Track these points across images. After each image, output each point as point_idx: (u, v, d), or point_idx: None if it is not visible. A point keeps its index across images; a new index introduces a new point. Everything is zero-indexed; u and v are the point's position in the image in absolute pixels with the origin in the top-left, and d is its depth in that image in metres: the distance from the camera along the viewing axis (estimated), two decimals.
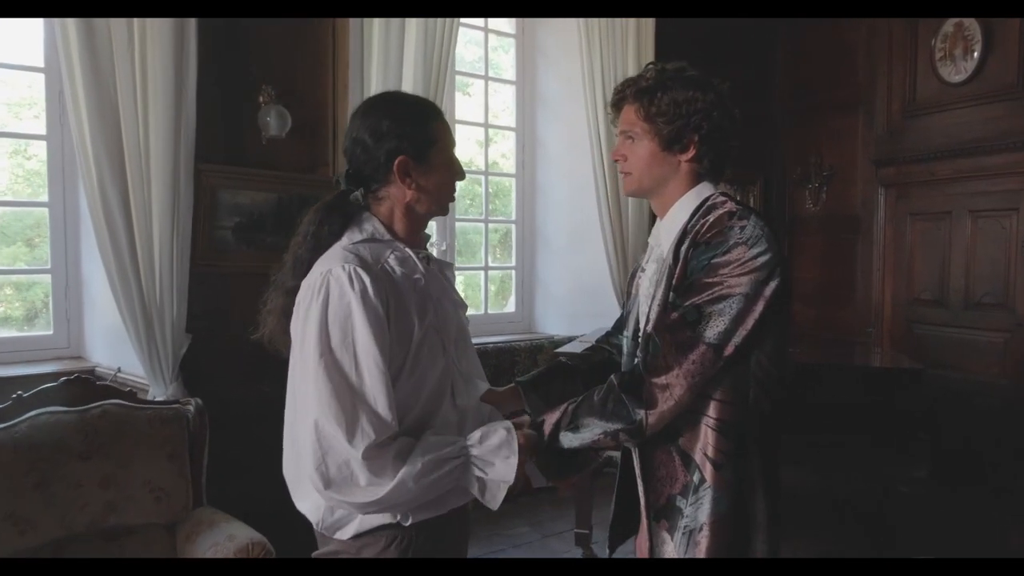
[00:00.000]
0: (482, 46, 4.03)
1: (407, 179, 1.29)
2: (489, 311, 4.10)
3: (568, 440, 1.29)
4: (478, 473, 1.22)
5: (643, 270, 1.46)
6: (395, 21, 2.94)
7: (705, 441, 1.29)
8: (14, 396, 1.98)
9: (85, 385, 2.07)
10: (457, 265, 3.91)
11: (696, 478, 1.30)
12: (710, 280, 1.26)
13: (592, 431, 1.28)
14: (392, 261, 1.27)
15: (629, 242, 3.84)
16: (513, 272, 4.20)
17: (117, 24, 2.33)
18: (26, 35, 2.63)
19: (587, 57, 3.70)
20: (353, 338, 1.18)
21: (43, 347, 2.80)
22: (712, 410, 1.29)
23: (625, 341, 1.50)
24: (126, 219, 2.39)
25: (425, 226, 1.40)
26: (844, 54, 4.18)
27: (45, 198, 2.69)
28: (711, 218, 1.30)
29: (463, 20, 3.82)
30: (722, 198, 1.35)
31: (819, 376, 3.07)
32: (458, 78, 3.89)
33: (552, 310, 4.16)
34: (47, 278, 2.75)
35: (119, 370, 2.60)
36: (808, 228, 4.45)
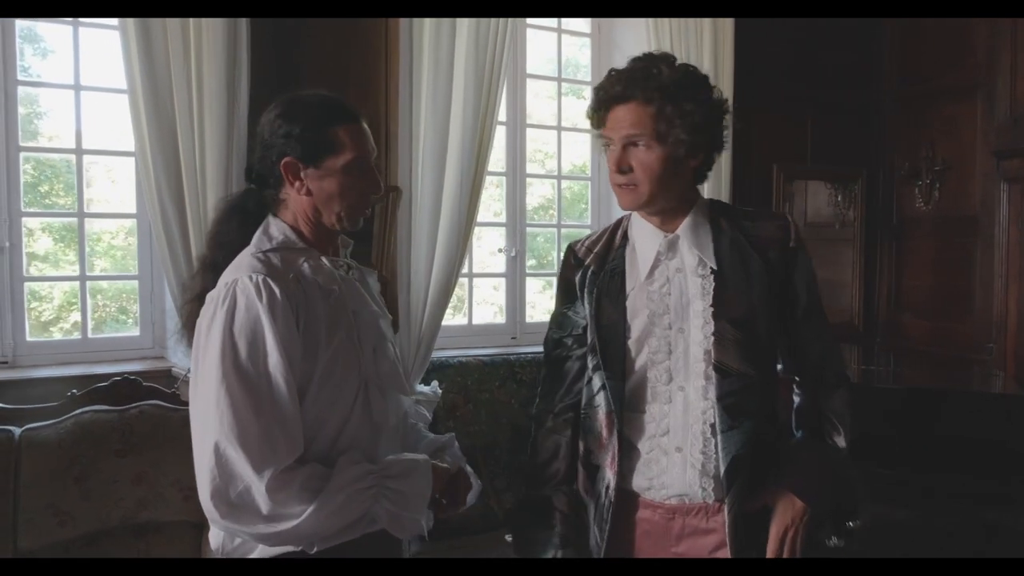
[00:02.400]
0: (568, 47, 3.95)
1: (296, 182, 1.24)
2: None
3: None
4: (388, 505, 1.16)
5: (652, 290, 1.34)
6: (446, 22, 2.92)
7: None
8: (68, 395, 2.14)
9: (133, 386, 2.20)
10: (531, 271, 3.85)
11: None
12: (817, 288, 1.40)
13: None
14: (305, 270, 1.23)
15: None
16: None
17: (174, 36, 2.46)
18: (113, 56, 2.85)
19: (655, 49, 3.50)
20: (263, 352, 1.12)
21: (131, 348, 3.03)
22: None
23: (614, 384, 1.33)
24: (182, 229, 2.53)
25: (336, 236, 1.33)
26: (960, 31, 3.69)
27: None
28: (781, 221, 1.39)
29: (535, 21, 3.76)
30: (734, 205, 1.48)
31: (931, 402, 2.70)
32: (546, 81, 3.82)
33: None
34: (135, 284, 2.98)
35: (188, 371, 2.75)
36: (919, 230, 3.97)
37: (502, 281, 3.79)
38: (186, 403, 2.32)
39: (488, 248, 3.83)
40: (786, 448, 1.37)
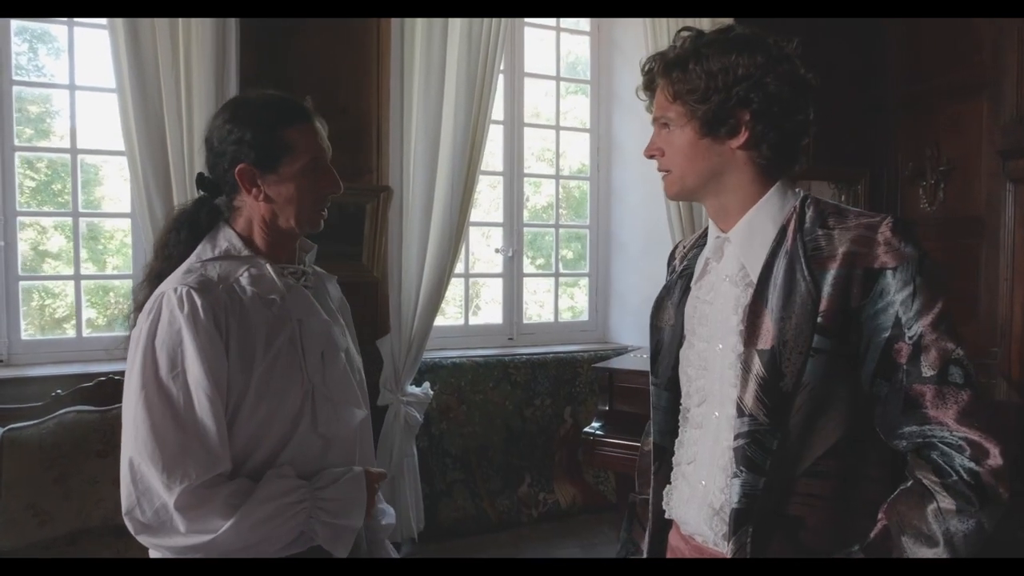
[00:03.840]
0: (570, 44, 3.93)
1: (254, 189, 1.19)
2: (560, 319, 3.97)
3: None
4: (325, 517, 1.13)
5: (696, 297, 1.16)
6: (438, 21, 2.90)
7: None
8: (52, 395, 2.15)
9: (117, 386, 2.20)
10: (529, 272, 3.83)
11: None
12: (934, 317, 0.97)
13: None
14: (244, 280, 1.18)
15: None
16: (587, 279, 4.04)
17: (162, 35, 2.46)
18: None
19: (654, 51, 3.47)
20: (183, 367, 1.08)
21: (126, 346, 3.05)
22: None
23: (658, 392, 1.22)
24: None
25: (293, 240, 1.28)
26: (965, 30, 3.61)
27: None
28: (860, 231, 1.01)
29: (534, 20, 3.73)
30: (828, 203, 1.08)
31: None
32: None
33: (628, 319, 3.95)
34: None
35: None
36: (923, 231, 3.89)
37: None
38: None
39: (494, 248, 3.81)
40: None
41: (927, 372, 0.97)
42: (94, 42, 2.83)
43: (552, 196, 4.00)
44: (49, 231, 3.01)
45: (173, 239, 1.23)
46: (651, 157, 1.14)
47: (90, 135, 2.89)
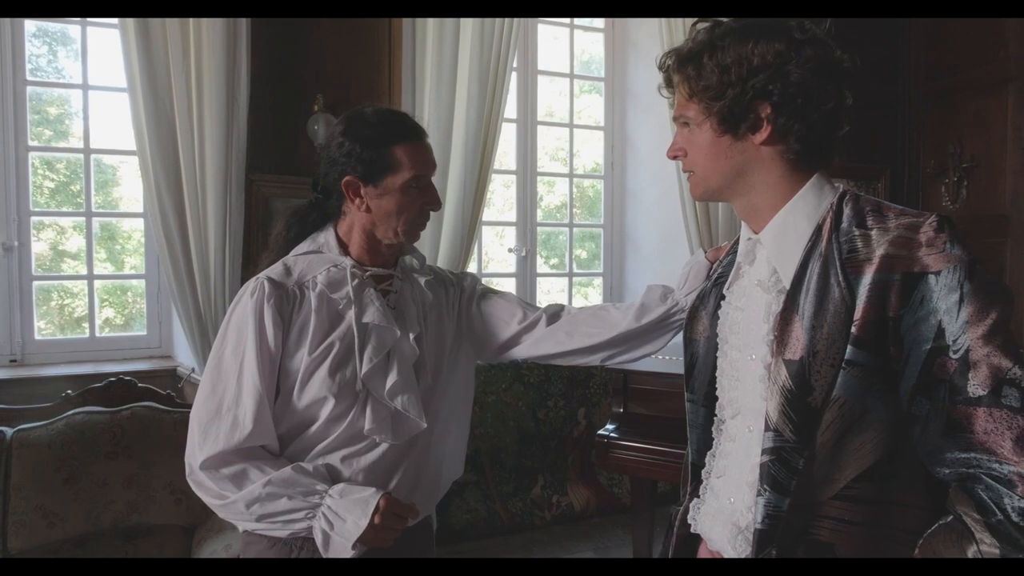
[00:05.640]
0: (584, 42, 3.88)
1: (357, 199, 1.28)
2: None
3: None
4: (324, 525, 1.15)
5: (728, 303, 1.08)
6: (449, 22, 2.87)
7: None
8: (63, 395, 2.14)
9: (127, 387, 2.20)
10: (542, 272, 3.79)
11: None
12: (984, 330, 0.85)
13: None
14: (321, 277, 1.27)
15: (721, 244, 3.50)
16: (601, 279, 3.99)
17: (173, 35, 2.46)
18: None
19: (669, 47, 3.42)
20: (244, 346, 1.20)
21: (138, 347, 3.05)
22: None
23: (693, 408, 1.15)
24: (181, 228, 2.52)
25: (391, 250, 1.35)
26: (990, 23, 3.52)
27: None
28: (900, 231, 0.91)
29: (548, 18, 3.69)
30: (869, 199, 0.98)
31: None
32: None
33: None
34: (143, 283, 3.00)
35: (193, 371, 2.75)
36: None
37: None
38: (179, 405, 2.34)
39: (507, 247, 3.77)
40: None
41: (976, 392, 0.85)
42: (109, 43, 2.83)
43: (566, 195, 3.95)
44: (68, 231, 3.02)
45: (282, 235, 1.34)
46: (674, 158, 1.07)
47: (107, 136, 2.89)
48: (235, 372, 1.20)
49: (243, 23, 2.57)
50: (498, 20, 2.93)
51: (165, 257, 2.53)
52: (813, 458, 0.94)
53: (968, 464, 0.87)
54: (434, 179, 3.04)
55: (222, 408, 1.19)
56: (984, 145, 3.61)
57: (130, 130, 2.52)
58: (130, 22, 2.43)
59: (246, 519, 1.18)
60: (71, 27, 2.85)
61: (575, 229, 3.95)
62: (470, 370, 1.46)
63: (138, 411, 2.11)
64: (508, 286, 3.77)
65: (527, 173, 3.70)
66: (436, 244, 2.98)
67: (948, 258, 0.88)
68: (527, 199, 3.71)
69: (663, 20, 3.34)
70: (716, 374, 1.10)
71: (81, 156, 2.87)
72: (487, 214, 3.17)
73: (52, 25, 2.84)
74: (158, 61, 2.47)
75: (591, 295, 4.08)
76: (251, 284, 1.25)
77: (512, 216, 3.73)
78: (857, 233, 0.94)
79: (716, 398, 1.09)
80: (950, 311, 0.87)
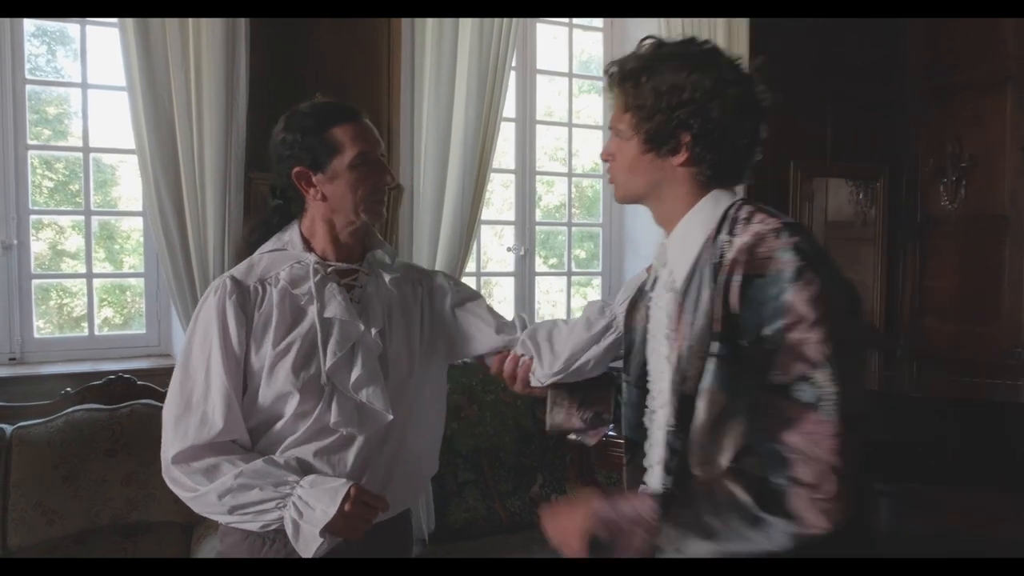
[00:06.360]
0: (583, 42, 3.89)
1: (311, 189, 1.30)
2: (573, 318, 3.93)
3: (676, 547, 1.00)
4: (293, 515, 1.17)
5: (651, 299, 1.18)
6: (448, 21, 2.88)
7: None
8: (62, 393, 2.15)
9: (126, 385, 2.20)
10: (541, 271, 3.80)
11: None
12: (796, 334, 0.94)
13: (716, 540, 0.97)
14: (283, 274, 1.29)
15: None
16: (600, 278, 4.00)
17: (172, 35, 2.46)
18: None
19: None
20: (210, 344, 1.23)
21: (137, 345, 3.06)
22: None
23: (627, 388, 1.24)
24: (180, 227, 2.53)
25: (354, 237, 1.35)
26: (988, 21, 3.52)
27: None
28: (748, 238, 1.01)
29: (547, 17, 3.70)
30: (749, 208, 1.07)
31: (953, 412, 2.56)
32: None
33: None
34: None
35: None
36: (944, 229, 3.81)
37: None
38: None
39: (506, 246, 3.78)
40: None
41: (777, 380, 0.96)
42: (107, 42, 2.83)
43: (565, 195, 3.96)
44: (67, 231, 3.02)
45: (247, 240, 1.38)
46: (605, 160, 1.18)
47: (106, 135, 2.89)
48: (203, 369, 1.23)
49: (242, 23, 2.58)
50: (497, 19, 2.94)
51: (164, 256, 2.54)
52: (687, 441, 1.05)
53: (756, 442, 0.99)
54: (434, 177, 3.08)
55: (191, 404, 1.22)
56: (983, 144, 3.62)
57: (129, 129, 2.53)
58: (129, 21, 2.44)
59: (218, 511, 1.21)
60: (70, 26, 2.85)
61: (574, 229, 3.96)
62: (443, 368, 1.49)
63: (137, 409, 2.11)
64: (507, 285, 3.77)
65: (526, 172, 3.70)
66: (435, 243, 2.98)
67: (777, 262, 0.98)
68: (526, 198, 3.71)
69: (662, 19, 3.35)
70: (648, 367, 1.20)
71: (80, 155, 2.88)
72: (485, 213, 3.18)
73: (51, 24, 2.84)
74: (157, 60, 2.47)
75: (590, 295, 4.09)
76: (215, 283, 1.29)
77: (510, 215, 3.74)
78: (726, 240, 1.05)
79: (647, 381, 1.18)
80: (773, 311, 0.97)
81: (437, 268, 3.00)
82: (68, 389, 2.17)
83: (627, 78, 1.10)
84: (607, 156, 1.17)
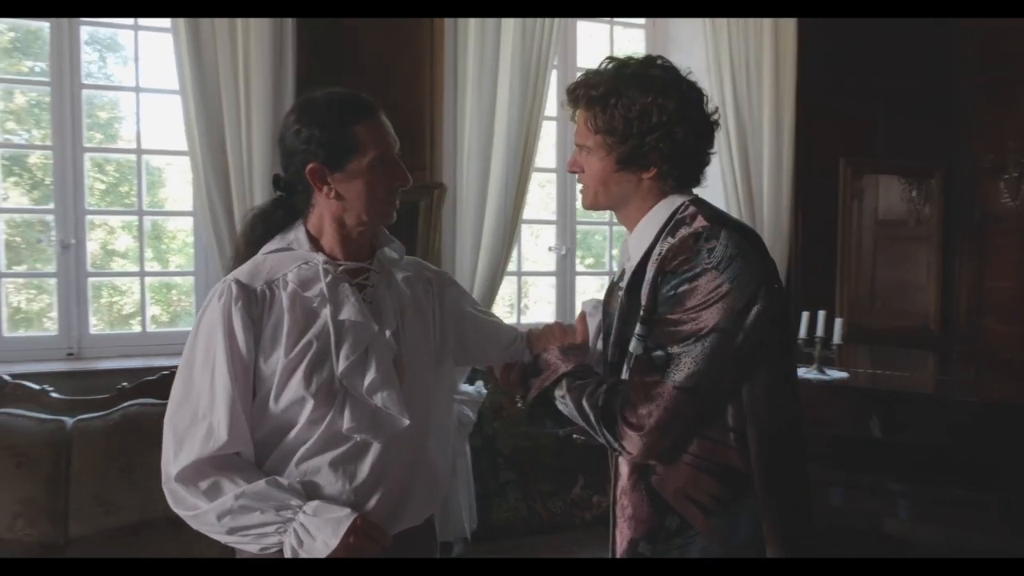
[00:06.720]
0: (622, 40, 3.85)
1: (324, 187, 1.22)
2: None
3: (560, 406, 1.27)
4: (293, 542, 1.13)
5: (621, 289, 1.30)
6: (491, 21, 2.88)
7: (688, 481, 1.14)
8: (118, 387, 2.21)
9: None
10: (582, 271, 3.77)
11: (672, 523, 1.15)
12: (676, 316, 1.13)
13: (575, 419, 1.24)
14: (291, 275, 1.21)
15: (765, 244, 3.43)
16: None
17: (222, 38, 2.52)
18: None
19: (712, 44, 3.38)
20: (214, 351, 1.16)
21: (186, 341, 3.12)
22: (699, 449, 1.16)
23: (606, 368, 1.33)
24: (230, 225, 2.58)
25: (364, 236, 1.29)
26: None
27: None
28: (676, 240, 1.17)
29: (589, 18, 3.67)
30: (692, 210, 1.21)
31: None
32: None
33: None
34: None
35: None
36: (1004, 227, 3.67)
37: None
38: None
39: (545, 246, 3.77)
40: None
41: (648, 344, 1.17)
42: (157, 47, 2.91)
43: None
44: (117, 231, 3.12)
45: (248, 236, 1.28)
46: (572, 172, 1.31)
47: (155, 137, 2.97)
48: (207, 379, 1.16)
49: (289, 25, 2.62)
50: (539, 21, 2.93)
51: (215, 254, 2.60)
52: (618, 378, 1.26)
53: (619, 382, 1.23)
54: (477, 176, 3.08)
55: (197, 415, 1.15)
56: None
57: (176, 131, 2.59)
58: (182, 25, 2.50)
59: (217, 531, 1.15)
60: (121, 32, 2.94)
61: (614, 228, 3.92)
62: (453, 372, 1.46)
63: None
64: (542, 285, 3.76)
65: (566, 171, 3.68)
66: (477, 242, 2.99)
67: (687, 263, 1.14)
68: (567, 198, 3.69)
69: (707, 19, 3.30)
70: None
71: (131, 157, 2.96)
72: (524, 212, 3.18)
73: (102, 32, 2.93)
74: (208, 63, 2.53)
75: None
76: (219, 287, 1.19)
77: (546, 215, 3.72)
78: (666, 240, 1.20)
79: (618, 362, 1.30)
80: (672, 299, 1.15)
81: (480, 267, 3.00)
82: (124, 384, 2.23)
83: (595, 102, 1.21)
84: (575, 169, 1.28)
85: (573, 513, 3.41)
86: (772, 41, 3.36)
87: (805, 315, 3.00)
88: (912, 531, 2.64)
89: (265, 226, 1.28)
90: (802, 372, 2.66)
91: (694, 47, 3.68)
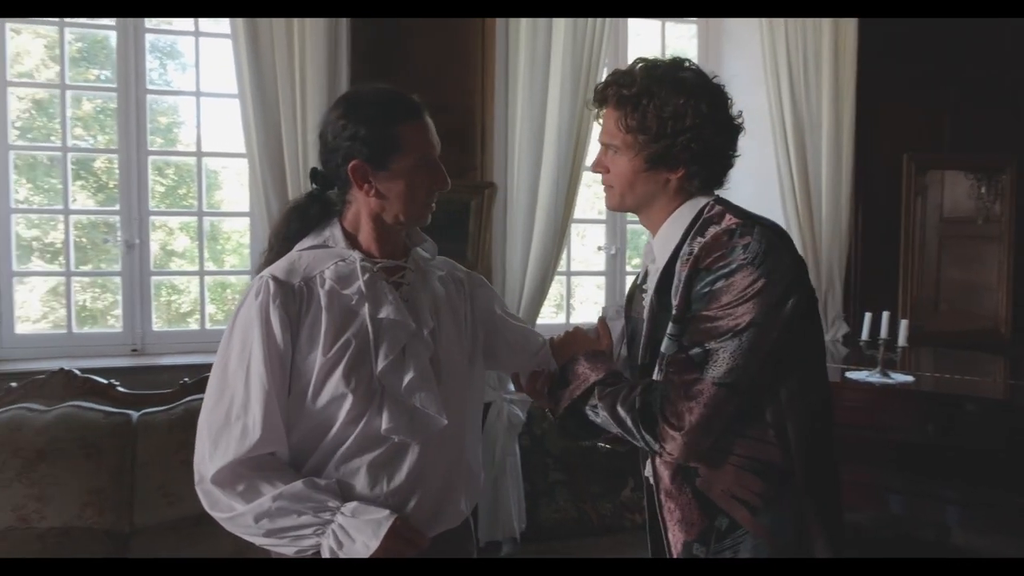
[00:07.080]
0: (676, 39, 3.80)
1: (365, 185, 1.21)
2: None
3: (592, 416, 1.25)
4: (332, 543, 1.12)
5: (643, 291, 1.32)
6: (542, 21, 2.87)
7: (733, 482, 1.15)
8: (181, 383, 2.27)
9: None
10: (630, 271, 3.73)
11: (721, 523, 1.15)
12: (712, 312, 1.14)
13: (610, 428, 1.23)
14: (328, 272, 1.20)
15: (823, 244, 3.34)
16: None
17: (279, 41, 2.57)
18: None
19: (769, 40, 3.30)
20: (251, 349, 1.14)
21: None
22: (741, 448, 1.16)
23: (631, 371, 1.34)
24: None
25: (398, 235, 1.29)
26: None
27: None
28: (708, 238, 1.17)
29: (642, 17, 3.63)
30: (719, 209, 1.23)
31: None
32: None
33: None
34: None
35: None
36: None
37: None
38: None
39: (592, 246, 3.75)
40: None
41: (684, 343, 1.17)
42: (215, 53, 2.99)
43: None
44: (176, 232, 3.22)
45: (283, 231, 1.27)
46: (596, 172, 1.30)
47: (211, 142, 3.06)
48: (242, 377, 1.14)
49: (344, 28, 2.66)
50: (590, 20, 2.91)
51: None
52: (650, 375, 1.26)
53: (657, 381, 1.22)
54: (528, 176, 3.07)
55: (231, 415, 1.13)
56: None
57: (232, 135, 2.65)
58: (241, 30, 2.56)
59: (253, 533, 1.14)
60: (181, 39, 3.05)
61: None
62: (483, 373, 1.43)
63: None
64: (587, 285, 3.73)
65: (591, 171, 3.64)
66: (528, 242, 2.98)
67: (722, 259, 1.15)
68: None
69: (764, 19, 3.23)
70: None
71: (189, 160, 3.06)
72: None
73: (162, 39, 3.04)
74: (266, 67, 2.59)
75: None
76: (255, 284, 1.18)
77: (592, 214, 3.70)
78: (696, 239, 1.20)
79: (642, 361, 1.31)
80: (708, 296, 1.15)
81: (530, 267, 2.99)
82: (186, 379, 2.30)
83: (626, 101, 1.21)
84: (600, 169, 1.29)
85: (623, 515, 3.37)
86: (831, 36, 3.26)
87: (867, 316, 2.90)
88: (979, 540, 2.52)
89: (301, 221, 1.26)
90: (865, 375, 2.57)
91: (750, 43, 3.60)
